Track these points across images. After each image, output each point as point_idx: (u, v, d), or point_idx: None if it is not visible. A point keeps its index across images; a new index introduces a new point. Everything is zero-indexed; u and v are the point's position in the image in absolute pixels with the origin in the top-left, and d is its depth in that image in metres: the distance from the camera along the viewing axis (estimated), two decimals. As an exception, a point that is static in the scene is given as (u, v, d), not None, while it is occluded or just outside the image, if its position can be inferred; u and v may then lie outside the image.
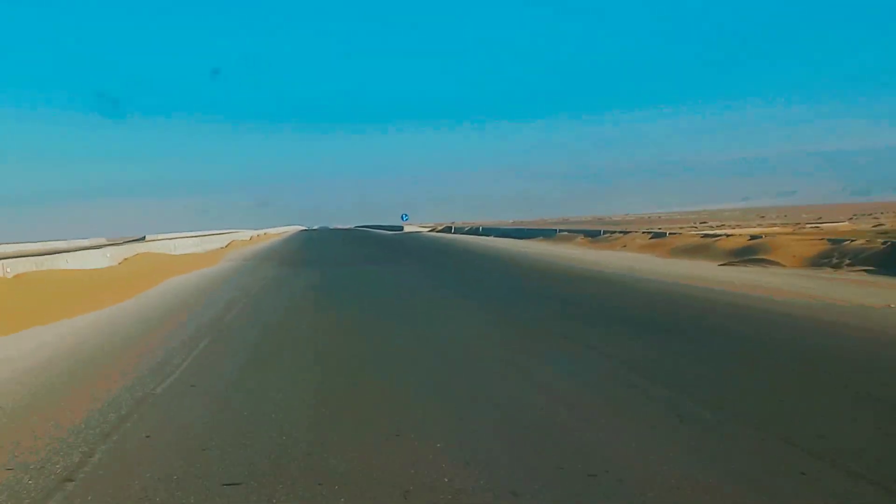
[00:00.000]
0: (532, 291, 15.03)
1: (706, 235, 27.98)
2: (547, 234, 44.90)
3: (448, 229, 71.25)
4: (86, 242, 61.85)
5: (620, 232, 35.83)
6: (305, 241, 54.11)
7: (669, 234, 31.02)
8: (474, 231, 60.78)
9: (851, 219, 77.15)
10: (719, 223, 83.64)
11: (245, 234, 67.89)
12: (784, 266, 18.78)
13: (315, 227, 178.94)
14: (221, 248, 42.58)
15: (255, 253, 36.03)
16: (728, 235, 26.45)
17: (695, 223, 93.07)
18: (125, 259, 22.67)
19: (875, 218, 79.15)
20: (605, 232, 38.01)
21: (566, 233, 42.78)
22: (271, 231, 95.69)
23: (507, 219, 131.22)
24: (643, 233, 33.08)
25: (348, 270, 22.17)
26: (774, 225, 60.74)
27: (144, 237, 74.66)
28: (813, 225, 57.59)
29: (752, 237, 24.22)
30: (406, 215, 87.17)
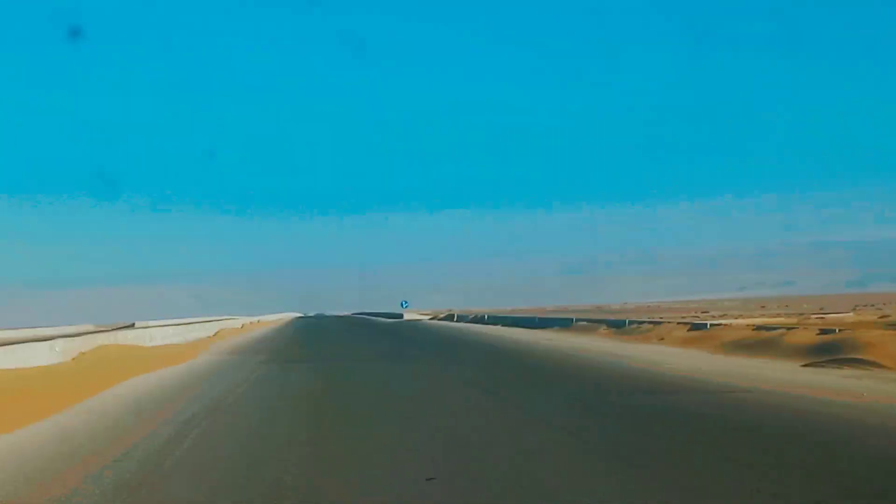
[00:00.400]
0: (628, 410, 11.13)
1: (759, 328, 24.36)
2: (562, 323, 41.24)
3: (450, 317, 67.62)
4: (71, 329, 57.87)
5: (650, 322, 32.22)
6: (301, 331, 50.33)
7: (711, 325, 27.41)
8: (479, 319, 57.10)
9: (855, 309, 73.98)
10: (721, 313, 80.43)
11: (238, 322, 64.15)
12: (889, 368, 15.16)
13: (311, 314, 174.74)
14: (208, 337, 38.83)
15: (243, 344, 32.31)
16: (788, 329, 22.85)
17: (696, 312, 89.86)
18: (81, 353, 18.93)
19: (878, 309, 76.21)
20: (630, 322, 34.39)
21: (584, 322, 39.14)
22: (266, 318, 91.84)
23: (504, 307, 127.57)
24: (678, 323, 29.47)
25: (353, 371, 18.48)
26: (779, 315, 57.63)
27: (134, 324, 71.17)
28: (817, 316, 54.15)
29: (824, 331, 20.66)
30: (406, 302, 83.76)
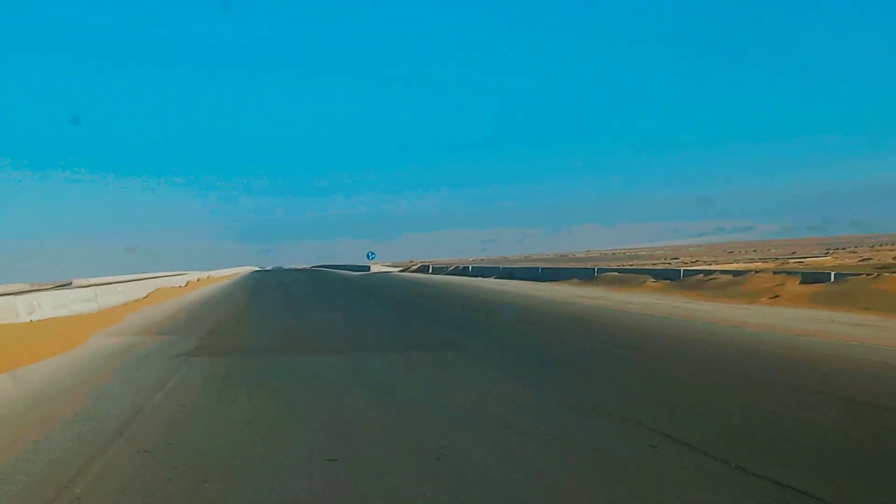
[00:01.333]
0: None
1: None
2: (581, 275, 33.30)
3: (424, 268, 59.29)
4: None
5: (722, 272, 24.41)
6: (257, 289, 41.59)
7: (835, 275, 19.63)
8: (462, 271, 48.98)
9: (829, 253, 69.13)
10: (692, 259, 74.14)
11: (183, 279, 54.80)
12: None
13: (269, 268, 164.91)
14: (135, 301, 29.83)
15: (173, 313, 23.55)
16: None
17: (667, 260, 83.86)
18: None
19: (853, 251, 71.76)
20: (686, 273, 26.58)
21: (614, 273, 31.27)
22: (218, 273, 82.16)
23: (465, 257, 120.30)
24: (775, 273, 21.67)
25: (361, 386, 9.92)
26: (753, 261, 51.53)
27: (71, 283, 60.92)
28: (796, 260, 48.83)
29: None
30: (373, 254, 75.12)
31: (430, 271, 55.71)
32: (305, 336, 15.33)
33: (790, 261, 51.05)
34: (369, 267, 71.42)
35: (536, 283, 34.16)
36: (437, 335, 14.43)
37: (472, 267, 48.20)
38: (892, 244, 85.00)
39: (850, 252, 69.76)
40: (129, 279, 52.18)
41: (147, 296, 31.90)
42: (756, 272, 21.92)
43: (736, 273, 23.02)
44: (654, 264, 63.54)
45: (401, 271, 64.46)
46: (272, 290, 38.99)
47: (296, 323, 18.72)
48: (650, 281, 26.52)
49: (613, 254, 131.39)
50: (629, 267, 37.92)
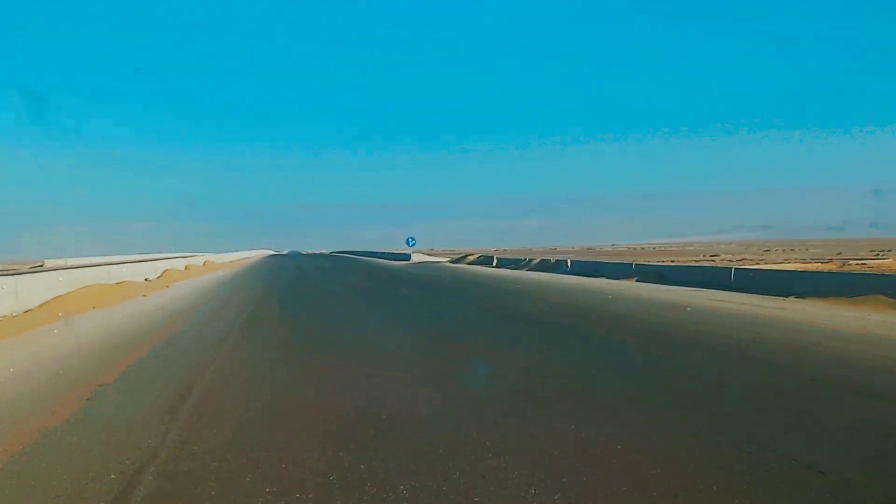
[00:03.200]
0: None
1: None
2: (717, 279, 21.87)
3: (486, 260, 47.79)
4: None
5: None
6: (272, 281, 30.59)
7: None
8: (547, 266, 37.47)
9: (880, 254, 62.18)
10: (739, 257, 62.80)
11: (181, 263, 43.95)
12: None
13: (285, 252, 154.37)
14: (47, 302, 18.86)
15: (165, 306, 12.70)
16: None
17: (705, 256, 72.85)
18: None
19: None
20: None
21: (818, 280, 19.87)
22: (229, 257, 71.22)
23: (488, 247, 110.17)
24: None
25: None
26: (817, 260, 46.88)
27: (43, 263, 50.25)
28: (857, 262, 42.51)
29: None
30: (413, 239, 63.81)
31: (495, 264, 44.33)
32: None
33: (851, 261, 43.46)
34: (409, 255, 60.30)
35: (681, 288, 22.77)
36: None
37: (572, 261, 36.29)
38: None
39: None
40: (139, 260, 41.36)
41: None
42: None
43: None
44: (713, 261, 52.43)
45: (452, 262, 53.21)
46: (293, 278, 27.95)
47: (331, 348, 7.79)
48: (879, 296, 15.48)
49: (643, 249, 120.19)
50: (735, 266, 26.58)
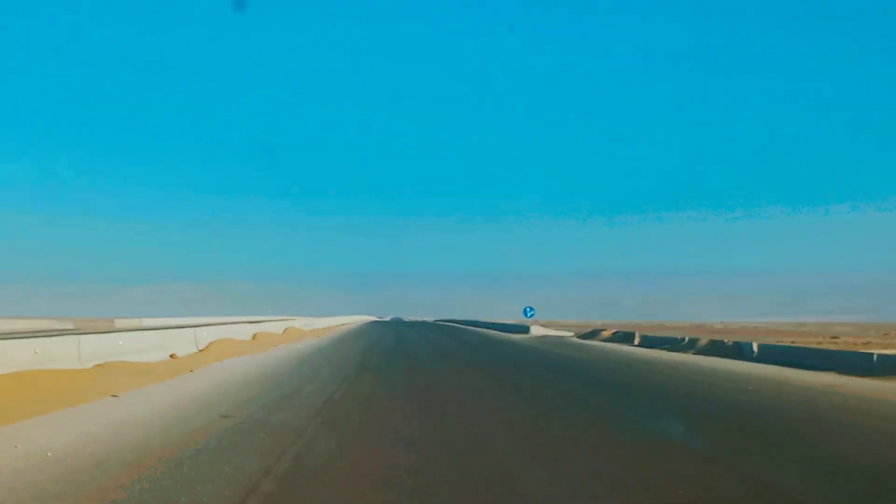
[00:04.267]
0: None
1: None
2: None
3: (627, 337, 40.25)
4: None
5: None
6: (376, 355, 24.58)
7: None
8: (719, 349, 29.33)
9: None
10: (862, 340, 51.43)
11: (280, 325, 38.95)
12: None
13: (387, 318, 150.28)
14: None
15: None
16: None
17: (828, 338, 61.14)
18: None
19: None
20: None
21: None
22: (328, 322, 66.00)
23: (577, 319, 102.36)
24: None
25: None
26: None
27: (114, 321, 46.57)
28: None
29: None
30: (531, 309, 56.98)
31: (639, 342, 36.91)
32: None
33: None
34: (528, 328, 53.43)
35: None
36: None
37: (759, 345, 27.13)
38: None
39: None
40: (233, 322, 36.85)
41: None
42: None
43: None
44: (836, 343, 42.54)
45: (580, 336, 45.92)
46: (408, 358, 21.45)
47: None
48: None
49: (755, 327, 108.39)
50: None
